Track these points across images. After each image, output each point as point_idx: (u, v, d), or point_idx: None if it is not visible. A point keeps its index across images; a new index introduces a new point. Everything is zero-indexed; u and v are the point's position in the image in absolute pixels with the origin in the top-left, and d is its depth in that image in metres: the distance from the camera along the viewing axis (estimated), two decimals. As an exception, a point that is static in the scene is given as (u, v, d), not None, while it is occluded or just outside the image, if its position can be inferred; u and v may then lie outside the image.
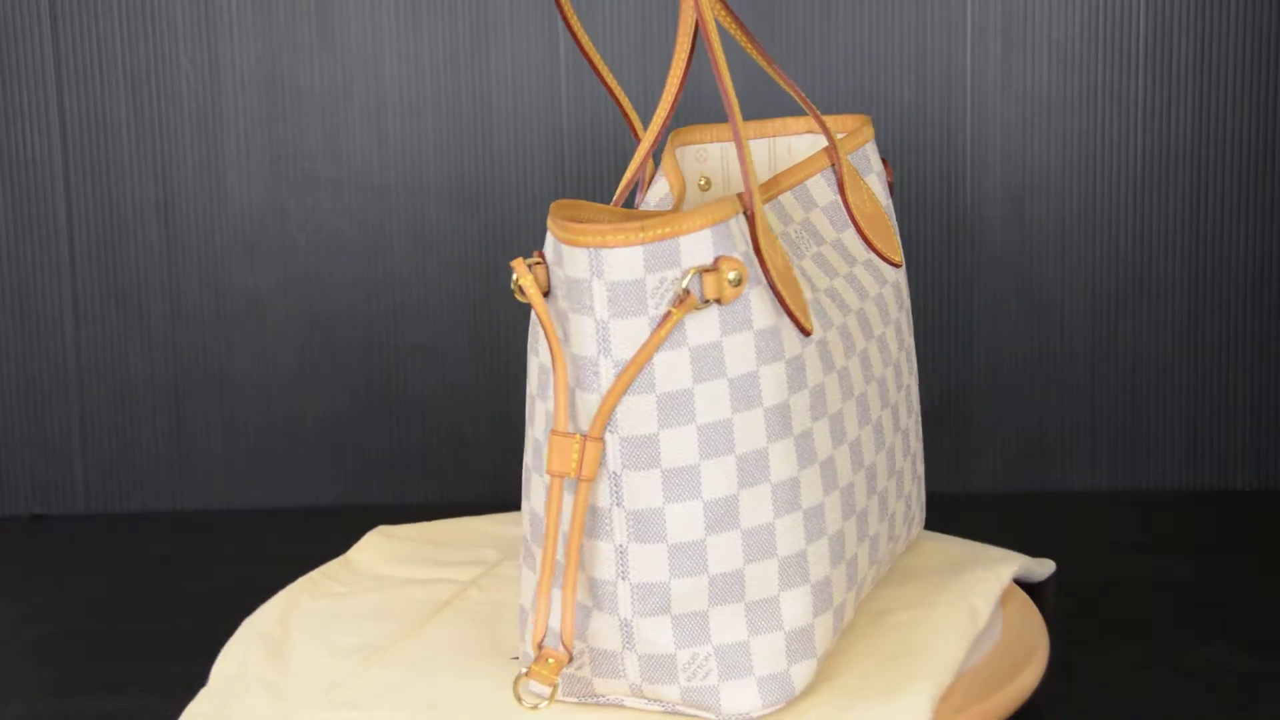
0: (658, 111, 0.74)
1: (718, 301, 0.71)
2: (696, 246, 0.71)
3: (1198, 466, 1.16)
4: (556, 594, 0.73)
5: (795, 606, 0.74)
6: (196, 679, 0.89)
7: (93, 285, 1.15)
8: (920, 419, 0.95)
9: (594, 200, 1.14)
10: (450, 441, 1.16)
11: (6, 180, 1.14)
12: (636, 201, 0.87)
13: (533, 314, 0.76)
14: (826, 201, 0.85)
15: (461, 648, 0.82)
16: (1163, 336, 1.14)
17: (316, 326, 1.15)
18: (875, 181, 0.89)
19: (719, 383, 0.72)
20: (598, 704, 0.75)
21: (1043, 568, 0.96)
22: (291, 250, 1.14)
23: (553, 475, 0.71)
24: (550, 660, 0.72)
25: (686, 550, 0.72)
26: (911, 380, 0.88)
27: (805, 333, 0.75)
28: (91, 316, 1.15)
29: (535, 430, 0.75)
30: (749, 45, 0.85)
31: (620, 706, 0.75)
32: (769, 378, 0.73)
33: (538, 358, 0.75)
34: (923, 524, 0.93)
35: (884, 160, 0.92)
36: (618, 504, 0.72)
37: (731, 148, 0.91)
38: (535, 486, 0.75)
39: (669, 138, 0.88)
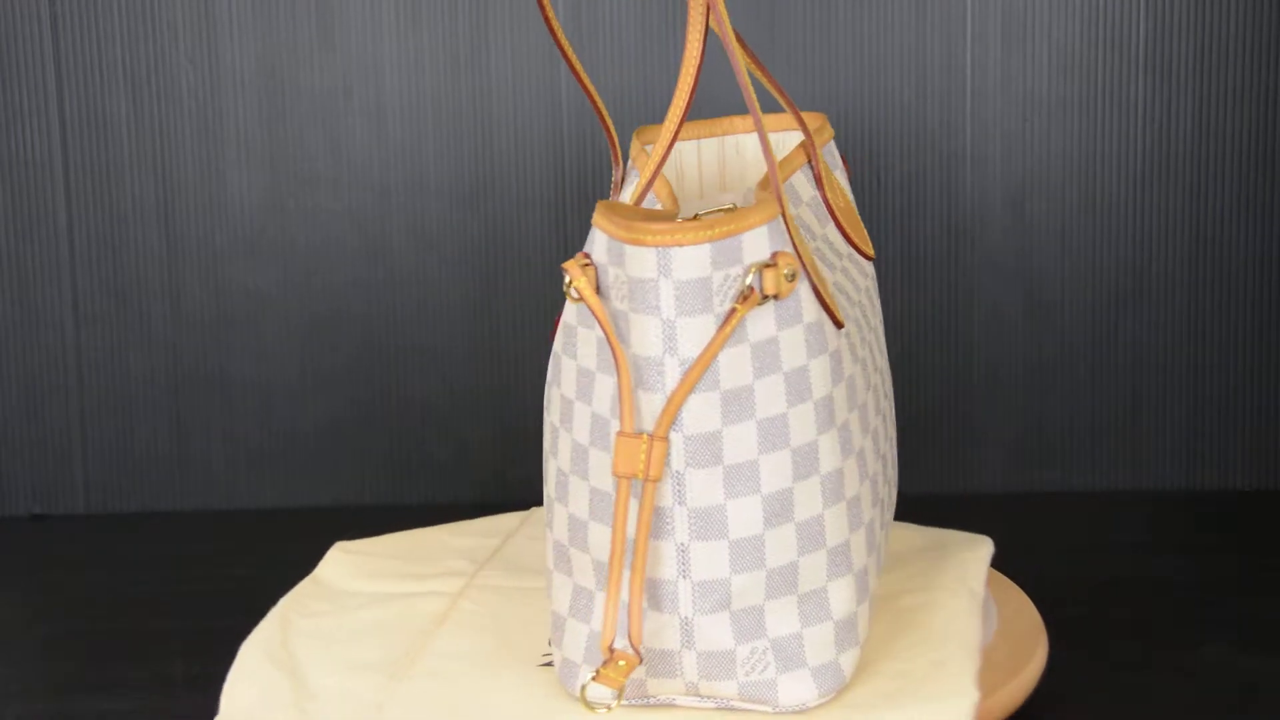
0: (672, 109, 0.74)
1: (775, 297, 0.71)
2: (756, 243, 0.71)
3: (1198, 466, 1.16)
4: (624, 597, 0.73)
5: (841, 596, 0.75)
6: (196, 679, 0.89)
7: (93, 285, 1.15)
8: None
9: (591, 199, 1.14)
10: (450, 441, 1.16)
11: (6, 180, 1.14)
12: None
13: (566, 316, 0.75)
14: (809, 197, 0.86)
15: (478, 658, 0.81)
16: (1163, 336, 1.14)
17: (316, 326, 1.15)
18: (841, 178, 0.90)
19: (775, 377, 0.73)
20: (647, 704, 0.76)
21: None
22: (291, 250, 1.15)
23: (620, 477, 0.71)
24: (621, 663, 0.72)
25: (746, 545, 0.73)
26: (887, 367, 0.89)
27: (839, 325, 0.76)
28: (91, 316, 1.15)
29: (575, 434, 0.74)
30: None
31: (671, 706, 0.75)
32: (817, 371, 0.74)
33: (575, 360, 0.75)
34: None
35: (843, 157, 0.93)
36: (680, 503, 0.72)
37: (681, 148, 0.91)
38: (577, 491, 0.75)
39: (633, 137, 0.88)
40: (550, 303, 1.15)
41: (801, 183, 0.86)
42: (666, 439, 0.71)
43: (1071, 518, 1.11)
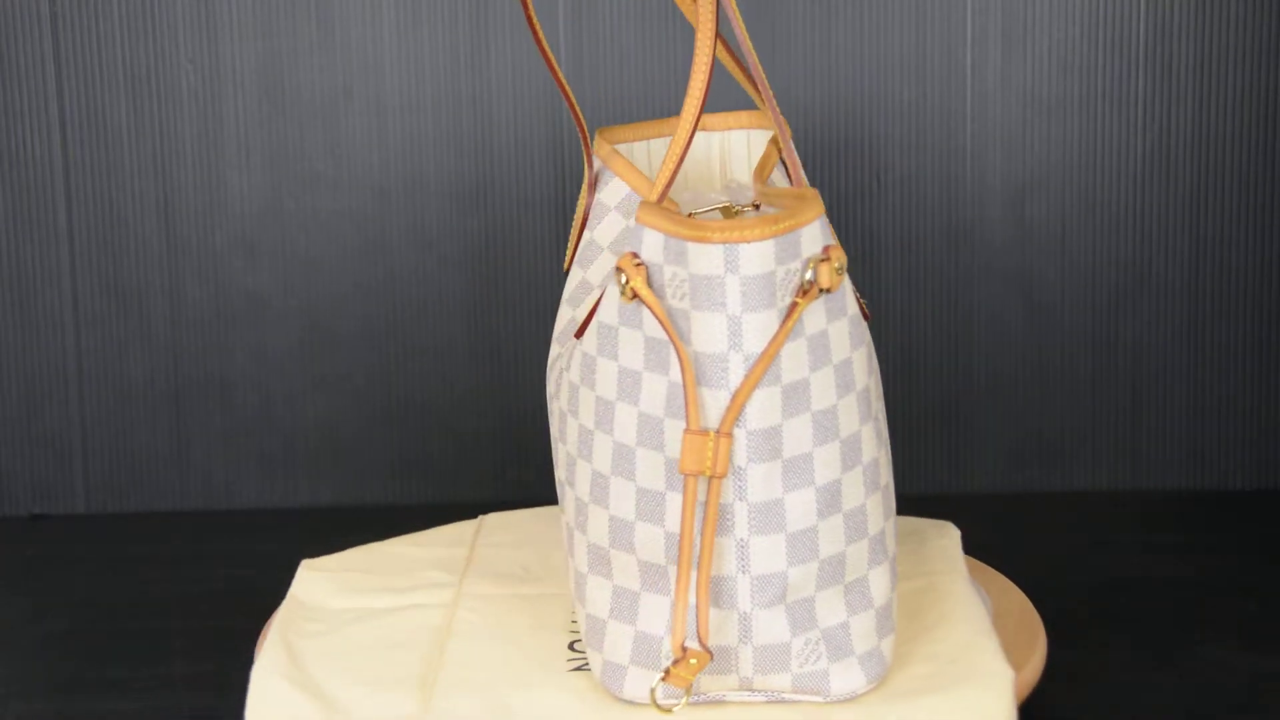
0: (686, 109, 0.74)
1: (827, 290, 0.72)
2: (812, 237, 0.72)
3: (1198, 466, 1.16)
4: (693, 594, 0.73)
5: (880, 583, 0.76)
6: (196, 679, 0.89)
7: (93, 285, 1.15)
8: None
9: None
10: (450, 441, 1.16)
11: (6, 180, 1.14)
12: (587, 203, 0.87)
13: (603, 317, 0.75)
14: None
15: (501, 667, 0.80)
16: (1163, 337, 1.14)
17: (316, 326, 1.15)
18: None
19: (827, 370, 0.74)
20: (697, 702, 0.76)
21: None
22: (291, 250, 1.15)
23: (687, 475, 0.71)
24: (693, 661, 0.72)
25: (801, 538, 0.73)
26: None
27: (867, 318, 0.78)
28: (91, 316, 1.15)
29: (617, 435, 0.74)
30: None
31: (721, 702, 0.76)
32: (858, 362, 0.75)
33: (616, 362, 0.74)
34: None
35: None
36: (740, 498, 0.72)
37: (645, 146, 0.91)
38: (620, 492, 0.75)
39: (596, 137, 0.88)
40: (550, 302, 1.15)
41: (780, 180, 0.87)
42: (731, 435, 0.71)
43: (1071, 518, 1.11)
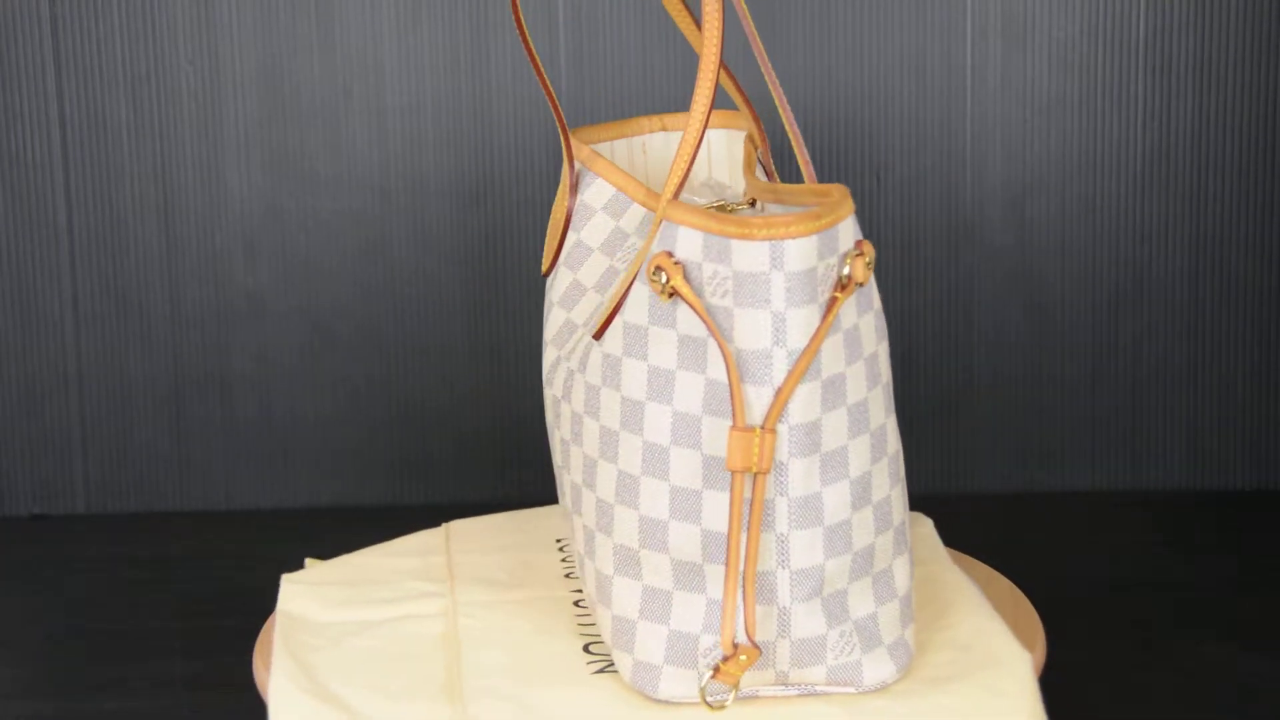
0: (696, 107, 0.74)
1: (860, 285, 0.73)
2: (847, 232, 0.73)
3: (1198, 466, 1.16)
4: (740, 591, 0.73)
5: (902, 573, 0.77)
6: (196, 679, 0.89)
7: (93, 285, 1.15)
8: None
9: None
10: (450, 441, 1.16)
11: (6, 180, 1.14)
12: (569, 206, 0.87)
13: (630, 317, 0.75)
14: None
15: (520, 673, 0.79)
16: (1163, 336, 1.14)
17: (316, 326, 1.15)
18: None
19: (860, 364, 0.74)
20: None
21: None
22: (291, 250, 1.15)
23: (735, 472, 0.71)
24: (743, 657, 0.72)
25: (838, 531, 0.74)
26: None
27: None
28: (91, 316, 1.15)
29: (648, 435, 0.74)
30: (689, 21, 0.88)
31: (754, 698, 0.76)
32: (883, 355, 0.76)
33: (645, 361, 0.74)
34: None
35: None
36: (781, 493, 0.73)
37: (609, 147, 0.91)
38: (651, 492, 0.74)
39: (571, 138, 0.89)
40: (550, 303, 1.15)
41: (761, 177, 0.87)
42: (775, 430, 0.71)
43: (1071, 518, 1.11)
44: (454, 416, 1.16)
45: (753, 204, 0.83)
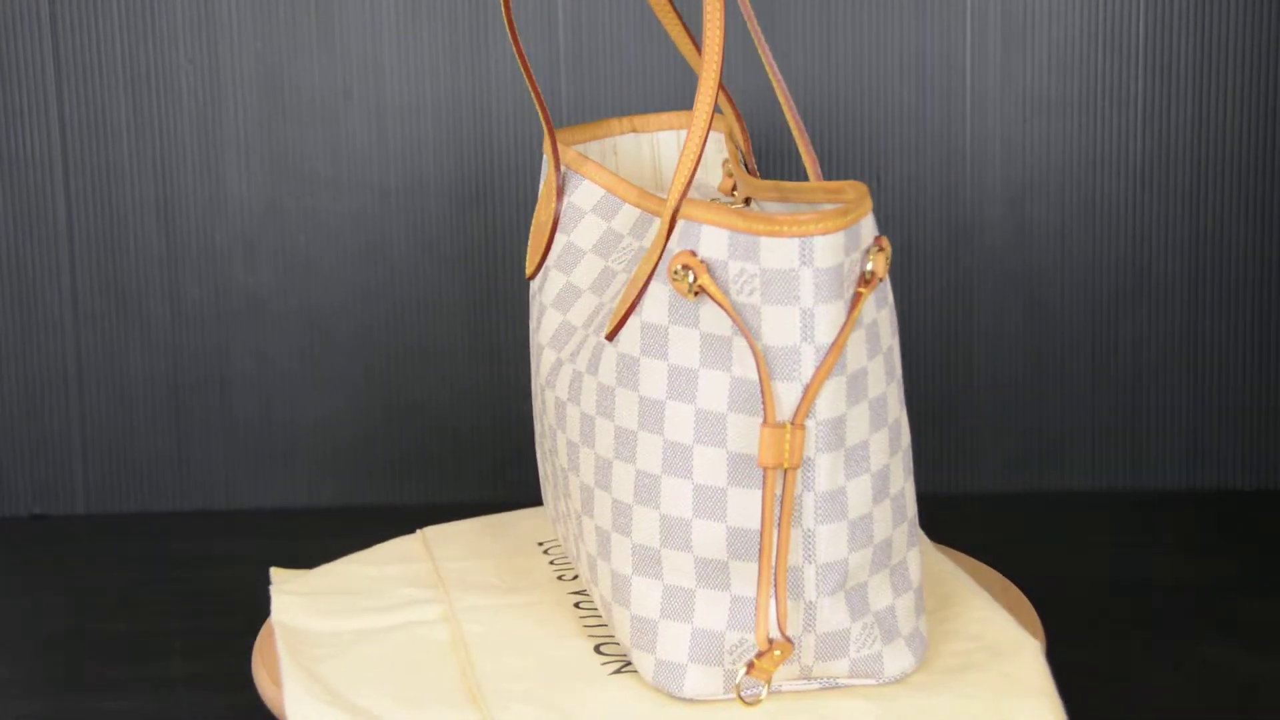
0: (700, 107, 0.74)
1: (881, 280, 0.73)
2: (868, 228, 0.73)
3: (1198, 466, 1.16)
4: (773, 587, 0.73)
5: (915, 564, 0.78)
6: (196, 679, 0.89)
7: (93, 285, 1.15)
8: None
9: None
10: (450, 441, 1.16)
11: (6, 180, 1.14)
12: (556, 208, 0.87)
13: (648, 317, 0.74)
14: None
15: (536, 676, 0.79)
16: (1163, 336, 1.14)
17: (316, 326, 1.15)
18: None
19: (879, 358, 0.75)
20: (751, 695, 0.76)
21: None
22: (291, 250, 1.15)
23: (767, 469, 0.72)
24: (777, 653, 0.73)
25: (860, 524, 0.74)
26: None
27: None
28: (91, 316, 1.15)
29: (669, 434, 0.74)
30: (681, 30, 0.88)
31: (778, 693, 0.76)
32: (896, 350, 0.77)
33: (665, 361, 0.74)
34: None
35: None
36: (808, 488, 0.73)
37: (589, 147, 0.92)
38: (673, 491, 0.74)
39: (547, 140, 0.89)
40: (550, 303, 1.15)
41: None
42: (804, 426, 0.72)
43: (1071, 518, 1.11)
44: (453, 417, 1.16)
45: (747, 202, 0.83)
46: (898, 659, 0.76)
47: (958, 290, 1.14)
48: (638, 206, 0.85)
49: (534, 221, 0.89)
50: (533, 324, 0.88)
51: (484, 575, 0.91)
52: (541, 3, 1.12)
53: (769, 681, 0.73)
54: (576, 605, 0.86)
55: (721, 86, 0.87)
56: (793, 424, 0.71)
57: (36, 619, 0.99)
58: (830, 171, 1.13)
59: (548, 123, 0.88)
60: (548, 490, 0.90)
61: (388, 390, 1.16)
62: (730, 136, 0.88)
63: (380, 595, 0.89)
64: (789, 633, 0.74)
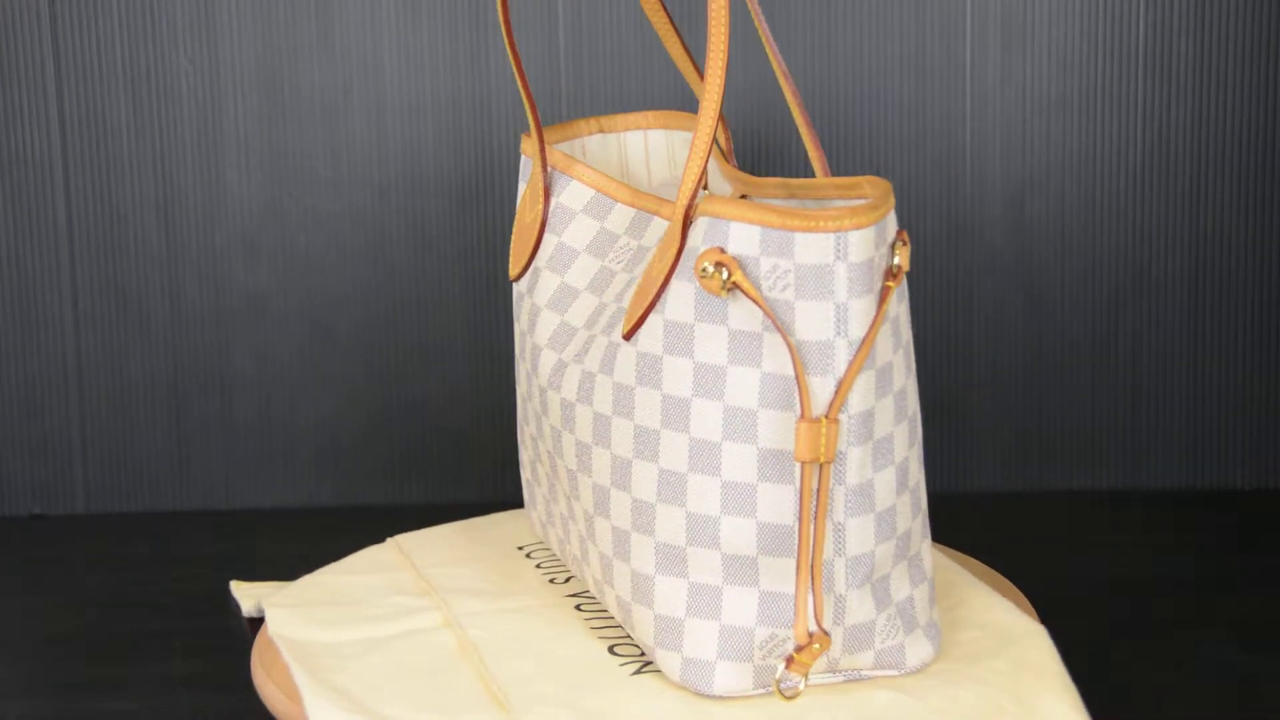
0: (706, 107, 0.74)
1: (905, 273, 0.74)
2: (892, 223, 0.73)
3: (1198, 466, 1.16)
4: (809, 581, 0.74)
5: (928, 556, 0.79)
6: (196, 679, 0.89)
7: (93, 285, 1.15)
8: None
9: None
10: (450, 441, 1.16)
11: (6, 180, 1.14)
12: (543, 209, 0.86)
13: (673, 315, 0.74)
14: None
15: (553, 679, 0.78)
16: (1163, 336, 1.14)
17: (316, 326, 1.15)
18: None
19: (901, 352, 0.75)
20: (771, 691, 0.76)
21: None
22: (291, 250, 1.15)
23: (804, 463, 0.72)
24: (816, 646, 0.73)
25: (886, 516, 0.75)
26: None
27: None
28: (91, 316, 1.15)
29: (694, 432, 0.74)
30: (671, 31, 0.88)
31: (809, 687, 0.76)
32: (913, 346, 0.78)
33: (691, 359, 0.74)
34: None
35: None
36: (839, 482, 0.73)
37: (560, 148, 0.92)
38: (700, 489, 0.74)
39: (526, 140, 0.88)
40: (550, 302, 1.15)
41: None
42: (838, 420, 0.72)
43: (1071, 518, 1.11)
44: (454, 416, 1.16)
45: (743, 198, 0.83)
46: (918, 649, 0.77)
47: (957, 289, 1.14)
48: (632, 206, 0.85)
49: (517, 223, 0.89)
50: (523, 325, 0.88)
51: (471, 581, 0.90)
52: (541, 2, 1.12)
53: (806, 675, 0.74)
54: (578, 608, 0.86)
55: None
56: (827, 418, 0.72)
57: (36, 619, 0.99)
58: (830, 171, 1.13)
59: (536, 123, 0.88)
60: (537, 493, 0.90)
61: (387, 390, 1.16)
62: (721, 140, 0.88)
63: (373, 604, 0.88)
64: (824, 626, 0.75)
